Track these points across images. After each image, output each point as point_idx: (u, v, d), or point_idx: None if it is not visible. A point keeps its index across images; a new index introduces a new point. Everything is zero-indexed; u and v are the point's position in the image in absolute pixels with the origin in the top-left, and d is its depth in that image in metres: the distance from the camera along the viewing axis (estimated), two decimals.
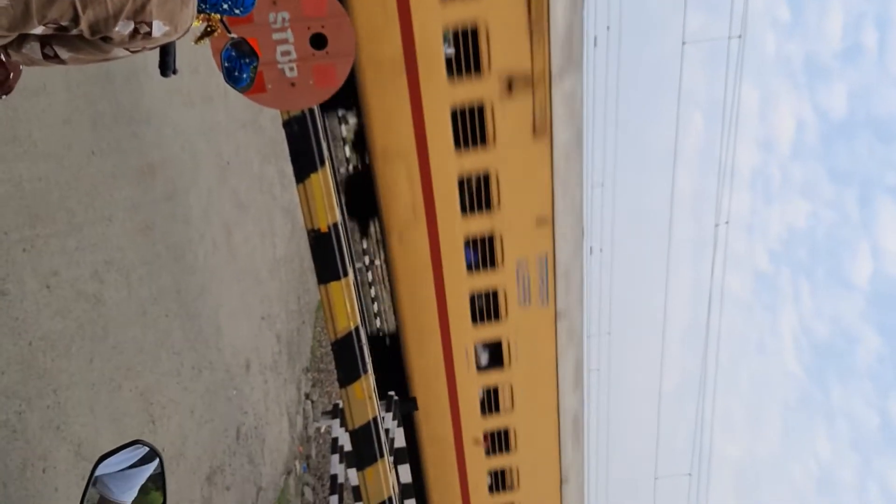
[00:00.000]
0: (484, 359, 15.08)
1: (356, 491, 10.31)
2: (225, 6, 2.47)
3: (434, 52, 11.46)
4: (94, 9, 2.08)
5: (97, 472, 2.30)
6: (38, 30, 2.11)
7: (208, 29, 2.55)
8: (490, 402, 15.25)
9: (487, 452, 15.69)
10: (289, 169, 8.88)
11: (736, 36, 14.54)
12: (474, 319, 14.00)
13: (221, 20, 2.57)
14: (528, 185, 12.76)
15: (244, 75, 2.77)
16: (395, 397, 13.19)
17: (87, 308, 5.30)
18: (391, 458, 10.46)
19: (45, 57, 2.26)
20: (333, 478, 11.37)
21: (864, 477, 73.10)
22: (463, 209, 12.81)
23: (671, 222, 28.40)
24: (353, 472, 10.44)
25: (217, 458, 7.66)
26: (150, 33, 2.19)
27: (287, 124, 7.82)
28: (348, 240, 9.04)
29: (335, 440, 11.76)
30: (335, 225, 8.25)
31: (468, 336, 14.15)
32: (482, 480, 16.22)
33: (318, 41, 6.23)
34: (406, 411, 13.97)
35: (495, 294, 13.88)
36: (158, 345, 6.45)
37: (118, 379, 5.60)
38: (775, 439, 77.04)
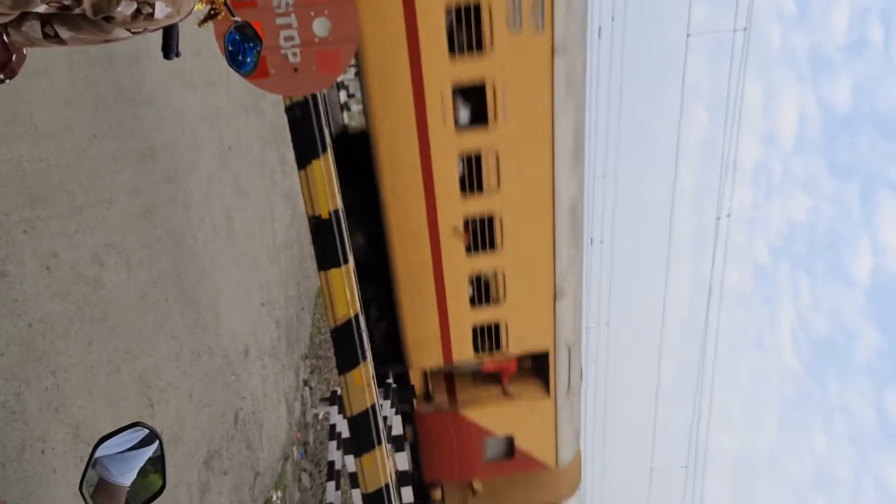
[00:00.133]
0: (464, 115, 11.69)
1: (353, 477, 10.35)
2: None
3: None
4: None
5: (97, 454, 2.29)
6: (41, 8, 2.09)
7: (212, 12, 2.53)
8: (472, 179, 12.05)
9: (469, 249, 12.78)
10: (290, 155, 8.86)
11: (741, 28, 14.46)
12: (452, 51, 10.87)
13: (225, 3, 2.55)
14: None
15: (248, 59, 2.75)
16: (394, 385, 13.22)
17: (86, 291, 5.30)
18: (389, 446, 10.49)
19: (45, 36, 2.24)
20: (331, 464, 11.41)
21: (860, 472, 73.52)
22: None
23: (672, 215, 28.35)
24: (350, 459, 10.48)
25: (215, 442, 7.68)
26: (152, 14, 2.17)
27: (289, 110, 7.79)
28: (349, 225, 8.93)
29: (333, 427, 11.79)
30: (336, 212, 8.24)
31: (444, 77, 11.02)
32: (462, 288, 13.30)
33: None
34: (405, 399, 14.00)
35: (477, 8, 10.63)
36: (157, 329, 6.45)
37: (116, 362, 5.60)
38: (772, 434, 77.36)
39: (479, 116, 11.63)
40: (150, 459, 2.39)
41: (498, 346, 13.99)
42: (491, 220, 12.57)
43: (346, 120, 19.31)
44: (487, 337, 13.97)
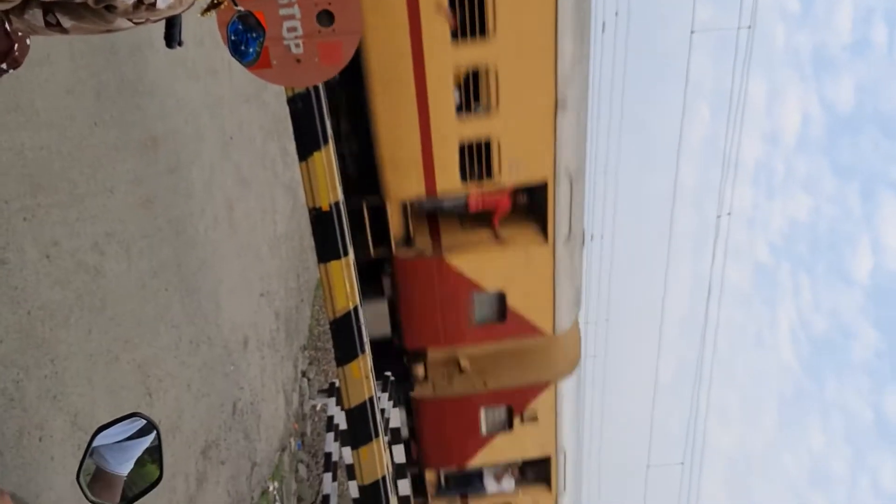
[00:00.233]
0: None
1: (350, 469, 10.37)
2: None
3: None
4: None
5: (94, 443, 2.30)
6: None
7: (214, 1, 2.52)
8: None
9: (455, 35, 10.86)
10: (291, 146, 8.84)
11: (745, 27, 14.41)
12: None
13: None
14: None
15: (251, 49, 2.75)
16: (392, 378, 13.24)
17: (86, 279, 5.30)
18: (386, 438, 10.51)
19: (48, 25, 2.24)
20: (328, 456, 11.44)
21: (856, 471, 73.60)
22: None
23: (673, 212, 28.35)
24: (347, 451, 10.50)
25: (213, 432, 7.70)
26: (154, 4, 2.16)
27: (291, 101, 7.78)
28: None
29: (331, 418, 11.81)
30: (337, 204, 8.24)
31: None
32: (447, 88, 11.20)
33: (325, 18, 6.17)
34: (403, 392, 14.00)
35: None
36: (157, 318, 6.46)
37: (116, 351, 5.61)
38: (769, 431, 77.43)
39: None
40: (147, 449, 2.40)
41: (489, 172, 12.12)
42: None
43: None
44: (477, 160, 12.05)
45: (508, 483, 16.57)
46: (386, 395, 12.38)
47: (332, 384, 12.37)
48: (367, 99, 11.11)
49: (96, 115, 5.71)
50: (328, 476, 11.11)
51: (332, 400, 11.89)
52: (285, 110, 8.05)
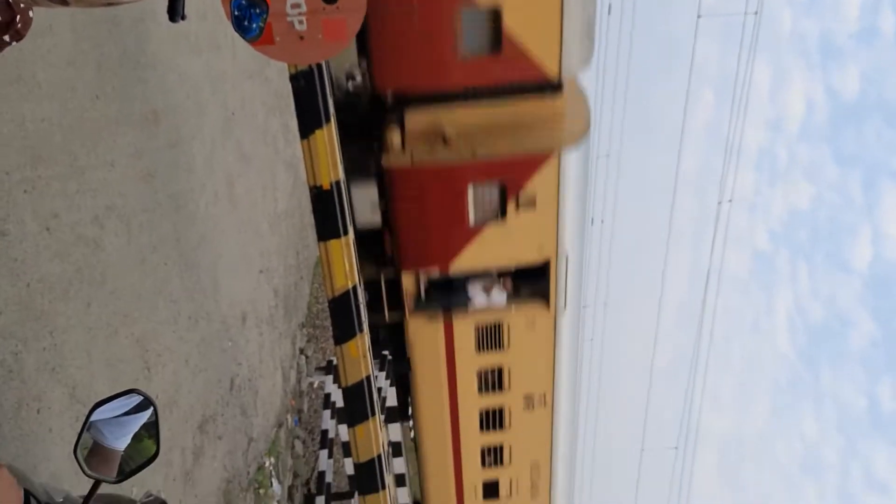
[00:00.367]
0: None
1: (346, 446, 10.45)
2: None
3: None
4: None
5: (92, 419, 2.31)
6: None
7: None
8: None
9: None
10: (293, 123, 8.80)
11: (752, 12, 14.26)
12: None
13: None
14: None
15: (254, 25, 2.73)
16: (389, 357, 13.28)
17: (86, 252, 5.30)
18: (382, 417, 10.57)
19: None
20: (324, 433, 11.53)
21: (848, 458, 74.26)
22: None
23: (674, 197, 28.25)
24: (343, 428, 10.59)
25: (210, 407, 7.74)
26: None
27: (294, 78, 7.74)
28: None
29: (327, 396, 11.88)
30: (337, 183, 8.22)
31: None
32: None
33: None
34: (401, 371, 14.03)
35: None
36: (156, 293, 6.47)
37: (115, 324, 5.62)
38: (763, 417, 77.98)
39: None
40: (144, 425, 2.41)
41: None
42: None
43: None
44: None
45: (499, 296, 13.65)
46: (383, 374, 12.43)
47: (330, 362, 12.42)
48: None
49: (98, 88, 5.67)
50: (324, 453, 11.19)
51: (330, 378, 11.94)
52: (287, 87, 8.00)
